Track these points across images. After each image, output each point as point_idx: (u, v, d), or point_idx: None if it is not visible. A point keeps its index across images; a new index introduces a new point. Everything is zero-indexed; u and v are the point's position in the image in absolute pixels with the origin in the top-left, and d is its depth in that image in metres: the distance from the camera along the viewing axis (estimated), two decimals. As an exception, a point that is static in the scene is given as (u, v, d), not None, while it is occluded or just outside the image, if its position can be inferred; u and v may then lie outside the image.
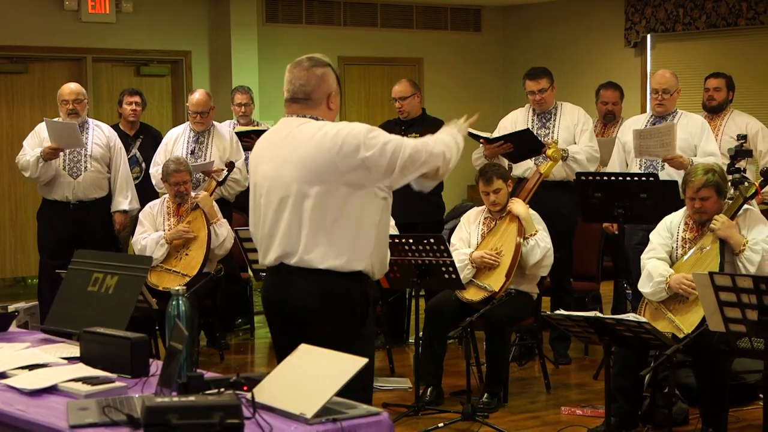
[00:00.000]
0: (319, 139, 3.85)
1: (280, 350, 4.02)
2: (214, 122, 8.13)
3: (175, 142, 7.97)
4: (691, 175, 5.61)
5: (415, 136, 7.66)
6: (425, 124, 7.64)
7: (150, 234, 7.22)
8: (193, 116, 7.95)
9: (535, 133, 7.19)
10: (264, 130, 8.40)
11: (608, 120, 8.39)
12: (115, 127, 8.29)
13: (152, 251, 7.04)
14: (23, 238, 8.09)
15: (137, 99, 8.55)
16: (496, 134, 7.32)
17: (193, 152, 7.89)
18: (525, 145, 7.01)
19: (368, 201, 3.87)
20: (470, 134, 7.28)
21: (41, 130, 7.74)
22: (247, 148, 8.59)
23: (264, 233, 3.98)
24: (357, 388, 3.22)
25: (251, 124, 8.87)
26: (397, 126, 7.80)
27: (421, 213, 7.49)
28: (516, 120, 7.41)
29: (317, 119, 3.95)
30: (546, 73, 7.32)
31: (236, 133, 8.51)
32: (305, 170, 3.84)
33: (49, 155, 7.54)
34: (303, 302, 3.88)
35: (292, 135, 3.94)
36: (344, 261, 3.83)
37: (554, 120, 7.29)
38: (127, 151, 8.26)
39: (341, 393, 3.09)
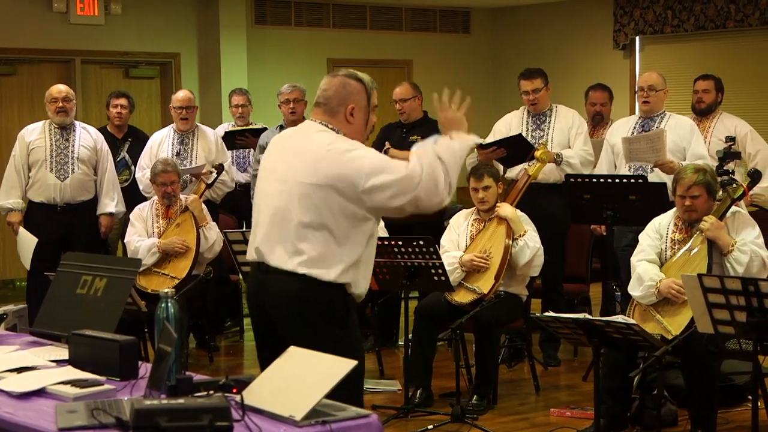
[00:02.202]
0: (327, 149, 3.86)
1: (262, 351, 4.08)
2: (198, 124, 8.14)
3: (160, 144, 7.96)
4: (681, 174, 5.63)
5: (417, 139, 7.74)
6: (427, 127, 7.65)
7: (143, 237, 7.22)
8: (178, 111, 7.94)
9: (529, 135, 7.20)
10: (260, 129, 8.45)
11: (597, 121, 8.41)
12: (103, 130, 8.28)
13: (143, 256, 7.04)
14: (11, 241, 8.06)
15: (123, 101, 8.50)
16: (490, 138, 7.33)
17: (178, 154, 7.88)
18: (518, 149, 7.01)
19: (357, 218, 3.86)
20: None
21: (26, 134, 7.74)
22: (243, 146, 8.61)
23: (256, 225, 4.03)
24: (347, 390, 3.22)
25: (249, 126, 8.88)
26: (398, 129, 7.80)
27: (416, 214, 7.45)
28: (511, 122, 7.41)
29: (337, 131, 3.96)
30: (541, 73, 7.33)
31: (231, 132, 8.52)
32: (307, 173, 3.85)
33: (12, 225, 7.75)
34: (281, 307, 3.89)
35: (308, 137, 3.97)
36: (323, 269, 3.83)
37: (549, 122, 7.29)
38: (117, 154, 8.25)
39: (332, 395, 3.09)
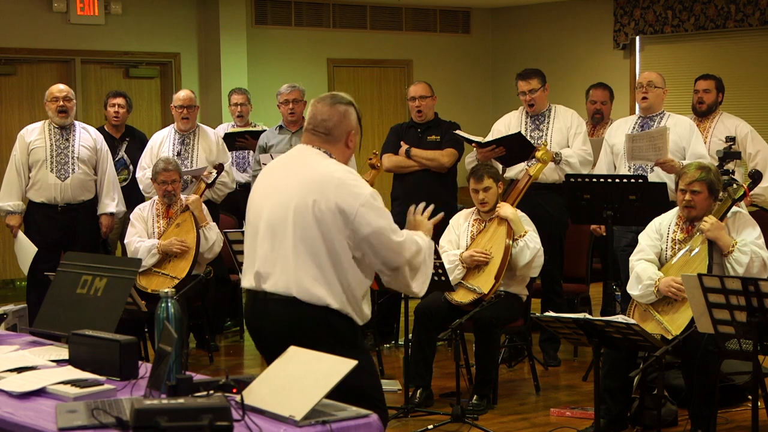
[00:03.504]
0: (328, 176, 3.89)
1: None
2: (199, 124, 8.13)
3: (161, 144, 7.95)
4: (686, 168, 5.67)
5: (436, 139, 7.73)
6: (444, 127, 7.64)
7: (143, 237, 7.22)
8: (179, 111, 7.93)
9: (528, 135, 7.20)
10: (260, 131, 8.44)
11: (597, 120, 8.41)
12: (101, 130, 8.28)
13: (143, 257, 7.03)
14: (11, 241, 8.07)
15: (120, 101, 8.51)
16: (489, 137, 7.33)
17: (179, 154, 7.87)
18: (517, 148, 7.02)
19: (347, 249, 3.88)
20: (463, 138, 7.33)
21: (26, 134, 7.74)
22: (243, 147, 8.61)
23: (251, 250, 4.01)
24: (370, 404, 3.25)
25: (248, 125, 8.89)
26: (411, 129, 7.76)
27: (433, 215, 7.44)
28: (509, 123, 7.41)
29: (330, 156, 4.00)
30: (538, 74, 7.32)
31: (231, 133, 8.50)
32: (310, 197, 3.86)
33: (11, 228, 7.74)
34: (284, 336, 3.85)
35: (305, 162, 3.99)
36: (321, 296, 3.83)
37: (547, 122, 7.29)
38: (115, 153, 8.25)
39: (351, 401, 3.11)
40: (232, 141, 8.47)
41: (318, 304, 3.84)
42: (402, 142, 7.60)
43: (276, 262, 3.89)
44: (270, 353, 3.98)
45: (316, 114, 4.05)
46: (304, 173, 3.94)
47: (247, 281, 4.02)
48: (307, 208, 3.85)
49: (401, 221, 7.98)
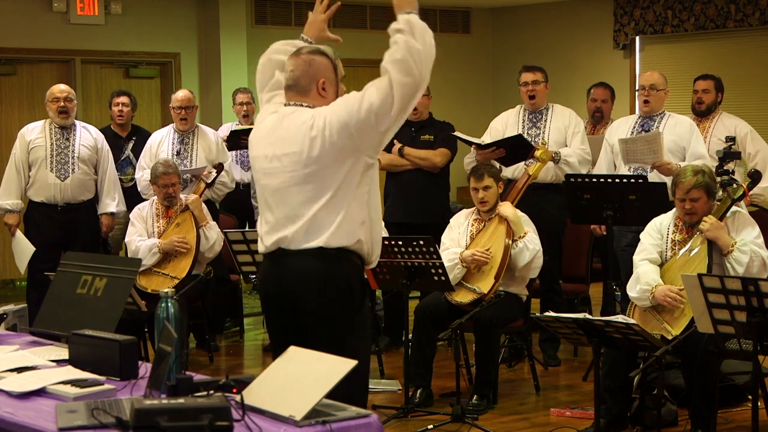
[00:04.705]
0: (310, 123, 3.88)
1: (277, 339, 4.09)
2: (198, 123, 8.13)
3: (160, 144, 7.95)
4: (680, 177, 5.62)
5: (429, 138, 7.74)
6: (436, 127, 7.65)
7: (143, 236, 7.22)
8: (177, 111, 7.93)
9: (525, 133, 7.21)
10: None
11: (597, 119, 8.41)
12: (107, 129, 8.29)
13: (144, 257, 7.03)
14: (11, 240, 8.09)
15: (124, 100, 8.52)
16: (486, 135, 7.34)
17: (178, 153, 7.87)
18: (517, 149, 7.02)
19: (357, 173, 3.87)
20: (462, 140, 7.33)
21: (26, 132, 7.74)
22: (247, 146, 8.62)
23: (264, 215, 4.04)
24: (352, 385, 3.25)
25: (253, 124, 8.89)
26: (406, 127, 7.75)
27: (425, 214, 7.48)
28: (507, 121, 7.41)
29: (312, 107, 3.96)
30: (542, 69, 7.38)
31: (237, 131, 8.51)
32: (299, 152, 3.88)
33: (9, 226, 7.74)
34: (300, 289, 3.90)
35: (287, 119, 3.98)
36: (338, 235, 3.85)
37: (545, 121, 7.29)
38: (121, 152, 8.26)
39: (336, 391, 3.10)
40: (237, 139, 8.46)
41: (339, 246, 3.85)
42: (395, 141, 7.60)
43: (290, 220, 3.90)
44: (281, 319, 4.03)
45: (286, 67, 4.04)
46: (294, 128, 3.92)
47: (262, 245, 4.03)
48: (301, 156, 3.86)
49: (393, 220, 7.97)
